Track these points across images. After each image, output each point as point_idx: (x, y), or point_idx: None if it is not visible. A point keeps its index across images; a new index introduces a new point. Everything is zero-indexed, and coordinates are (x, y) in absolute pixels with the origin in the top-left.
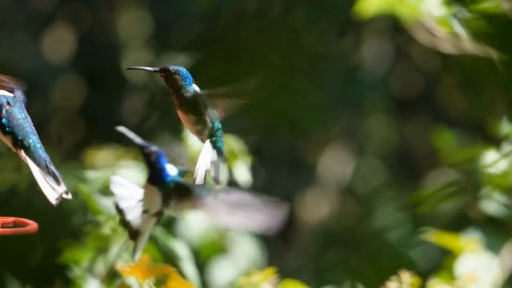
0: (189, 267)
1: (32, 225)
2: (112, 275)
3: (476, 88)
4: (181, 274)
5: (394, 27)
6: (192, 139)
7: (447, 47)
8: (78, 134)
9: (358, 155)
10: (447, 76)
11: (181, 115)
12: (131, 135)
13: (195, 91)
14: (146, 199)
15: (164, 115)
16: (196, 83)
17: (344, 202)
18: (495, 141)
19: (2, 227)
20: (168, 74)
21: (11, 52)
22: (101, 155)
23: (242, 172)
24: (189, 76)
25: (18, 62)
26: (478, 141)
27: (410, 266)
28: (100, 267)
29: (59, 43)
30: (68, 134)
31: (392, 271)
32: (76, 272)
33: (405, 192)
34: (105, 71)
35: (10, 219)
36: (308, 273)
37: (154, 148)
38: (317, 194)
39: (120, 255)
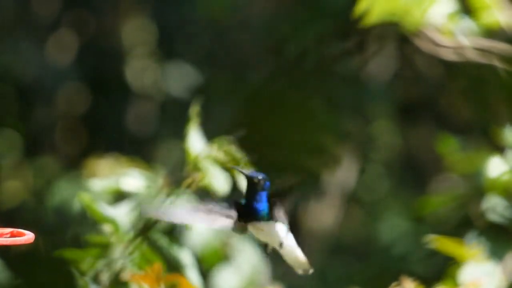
0: (193, 276)
1: (29, 235)
2: (116, 284)
3: (479, 95)
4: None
5: (397, 34)
6: (194, 146)
7: (450, 55)
8: (82, 141)
9: (363, 162)
10: (451, 83)
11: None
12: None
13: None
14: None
15: (168, 122)
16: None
17: (349, 210)
18: (499, 148)
19: None
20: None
21: (15, 59)
22: (104, 163)
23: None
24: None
25: (22, 69)
26: (482, 148)
27: (414, 273)
28: (104, 275)
29: (63, 50)
30: (71, 141)
31: (396, 278)
32: (79, 280)
33: (410, 199)
34: (109, 79)
35: (7, 230)
36: (312, 281)
37: (261, 176)
38: (321, 201)
39: (123, 263)
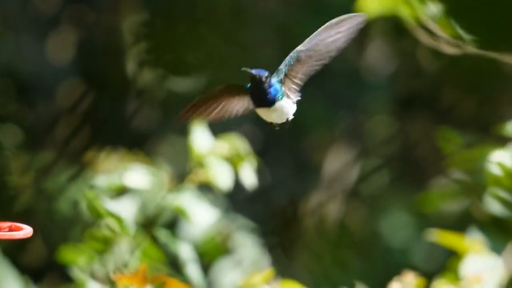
0: (194, 270)
1: (27, 230)
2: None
3: (478, 89)
4: (186, 277)
5: (397, 28)
6: (198, 143)
7: (449, 48)
8: (83, 137)
9: (363, 157)
10: (451, 77)
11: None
12: (248, 70)
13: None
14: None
15: (169, 117)
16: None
17: (349, 204)
18: (500, 142)
19: None
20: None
21: (15, 55)
22: (107, 158)
23: (248, 174)
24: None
25: (22, 64)
26: (483, 142)
27: (415, 267)
28: (102, 270)
29: (64, 45)
30: (73, 137)
31: (397, 272)
32: (77, 274)
33: (411, 193)
34: (111, 73)
35: (6, 224)
36: (312, 274)
37: (265, 73)
38: (321, 195)
39: (124, 259)
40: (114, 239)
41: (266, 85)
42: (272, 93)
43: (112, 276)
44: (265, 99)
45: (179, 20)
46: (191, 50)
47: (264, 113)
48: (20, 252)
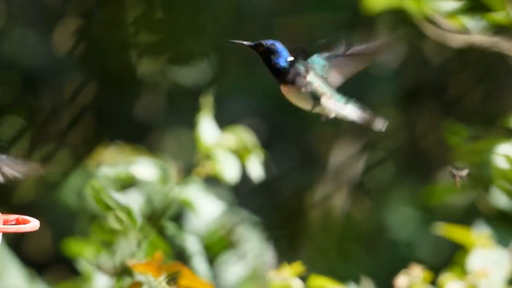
0: (200, 263)
1: (34, 223)
2: (123, 272)
3: (487, 82)
4: (192, 269)
5: (403, 21)
6: (205, 135)
7: (457, 41)
8: (87, 129)
9: (368, 149)
10: (459, 70)
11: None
12: (239, 41)
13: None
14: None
15: (176, 111)
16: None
17: (355, 198)
18: (507, 135)
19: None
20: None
21: (20, 46)
22: (111, 152)
23: (255, 167)
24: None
25: (27, 56)
26: (490, 135)
27: (420, 260)
28: (110, 262)
29: (68, 37)
30: (77, 129)
31: (403, 266)
32: (84, 267)
33: (416, 186)
34: (115, 66)
35: (13, 216)
36: (317, 268)
37: (267, 42)
38: (327, 188)
39: (131, 251)
40: (121, 231)
41: (274, 53)
42: (282, 64)
43: (128, 264)
44: (277, 69)
45: (181, 11)
46: (193, 41)
47: (287, 93)
48: (25, 244)
